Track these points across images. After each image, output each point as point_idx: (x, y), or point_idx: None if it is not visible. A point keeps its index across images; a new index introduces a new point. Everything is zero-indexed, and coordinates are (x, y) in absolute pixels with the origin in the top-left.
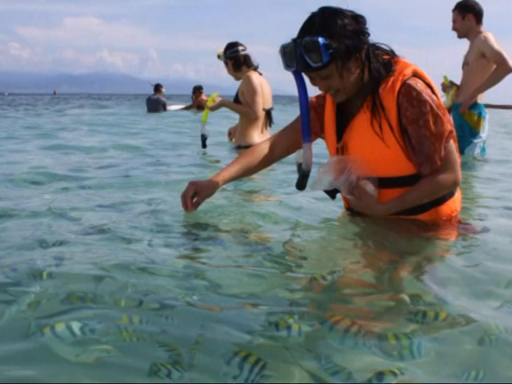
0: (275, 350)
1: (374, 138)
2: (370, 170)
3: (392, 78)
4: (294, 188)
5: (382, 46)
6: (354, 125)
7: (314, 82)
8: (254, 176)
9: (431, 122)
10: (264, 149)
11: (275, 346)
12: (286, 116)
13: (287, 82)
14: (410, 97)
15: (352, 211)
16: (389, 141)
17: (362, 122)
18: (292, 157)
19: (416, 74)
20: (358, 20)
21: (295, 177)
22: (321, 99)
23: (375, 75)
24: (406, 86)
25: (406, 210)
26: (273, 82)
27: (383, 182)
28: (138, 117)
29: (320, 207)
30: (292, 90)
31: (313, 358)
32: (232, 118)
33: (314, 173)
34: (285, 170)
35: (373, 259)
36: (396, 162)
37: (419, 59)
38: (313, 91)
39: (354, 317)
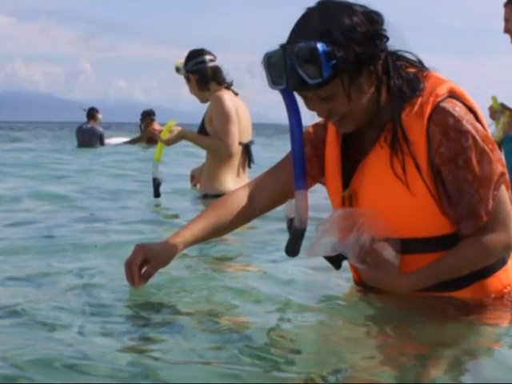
0: None
1: (395, 183)
2: (390, 229)
3: (420, 100)
4: (282, 253)
5: (406, 55)
6: (366, 165)
7: (310, 105)
8: (227, 237)
9: (475, 162)
10: (241, 198)
11: None
12: (272, 152)
13: (273, 105)
14: (445, 126)
15: (364, 286)
16: (415, 187)
17: (377, 162)
18: (280, 209)
19: (453, 95)
20: (373, 19)
21: (285, 238)
22: (320, 129)
23: (396, 95)
24: (439, 110)
25: (438, 284)
26: (253, 104)
27: (408, 246)
28: (65, 154)
29: (319, 280)
30: (280, 116)
31: None
32: (196, 156)
33: (310, 232)
34: (270, 229)
35: (393, 352)
36: (425, 218)
37: (458, 73)
38: (310, 118)
39: None
